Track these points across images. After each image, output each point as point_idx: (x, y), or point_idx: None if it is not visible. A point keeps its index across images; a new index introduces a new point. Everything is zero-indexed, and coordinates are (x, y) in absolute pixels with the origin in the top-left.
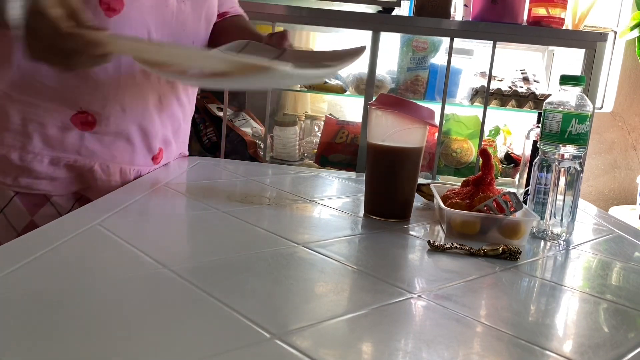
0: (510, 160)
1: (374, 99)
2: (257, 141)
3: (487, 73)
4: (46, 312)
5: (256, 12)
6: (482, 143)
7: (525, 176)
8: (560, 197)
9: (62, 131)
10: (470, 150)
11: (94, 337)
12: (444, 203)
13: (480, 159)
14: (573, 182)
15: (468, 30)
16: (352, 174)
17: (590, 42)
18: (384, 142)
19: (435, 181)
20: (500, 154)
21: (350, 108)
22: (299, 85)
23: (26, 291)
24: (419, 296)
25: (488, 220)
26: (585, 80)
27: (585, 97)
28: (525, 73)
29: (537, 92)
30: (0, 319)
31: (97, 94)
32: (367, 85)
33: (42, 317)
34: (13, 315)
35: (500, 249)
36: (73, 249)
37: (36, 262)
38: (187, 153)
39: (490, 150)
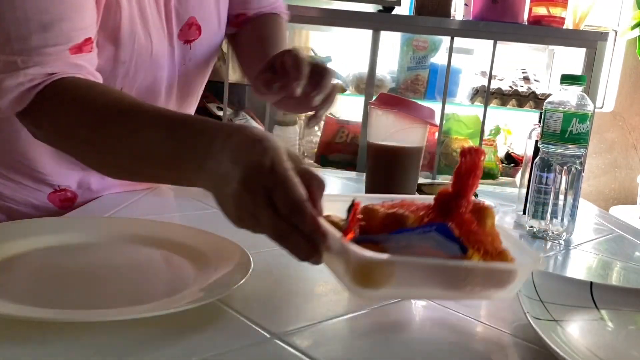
0: (511, 159)
1: (374, 99)
2: None
3: (488, 72)
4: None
5: None
6: (483, 142)
7: (527, 176)
8: (560, 196)
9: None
10: None
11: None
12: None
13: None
14: (573, 182)
15: (468, 29)
16: (352, 174)
17: (590, 41)
18: (384, 141)
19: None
20: (501, 153)
21: (350, 107)
22: None
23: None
24: None
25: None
26: (586, 79)
27: (586, 96)
28: (526, 72)
29: (538, 92)
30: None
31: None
32: (367, 85)
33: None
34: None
35: None
36: None
37: None
38: None
39: (490, 150)
